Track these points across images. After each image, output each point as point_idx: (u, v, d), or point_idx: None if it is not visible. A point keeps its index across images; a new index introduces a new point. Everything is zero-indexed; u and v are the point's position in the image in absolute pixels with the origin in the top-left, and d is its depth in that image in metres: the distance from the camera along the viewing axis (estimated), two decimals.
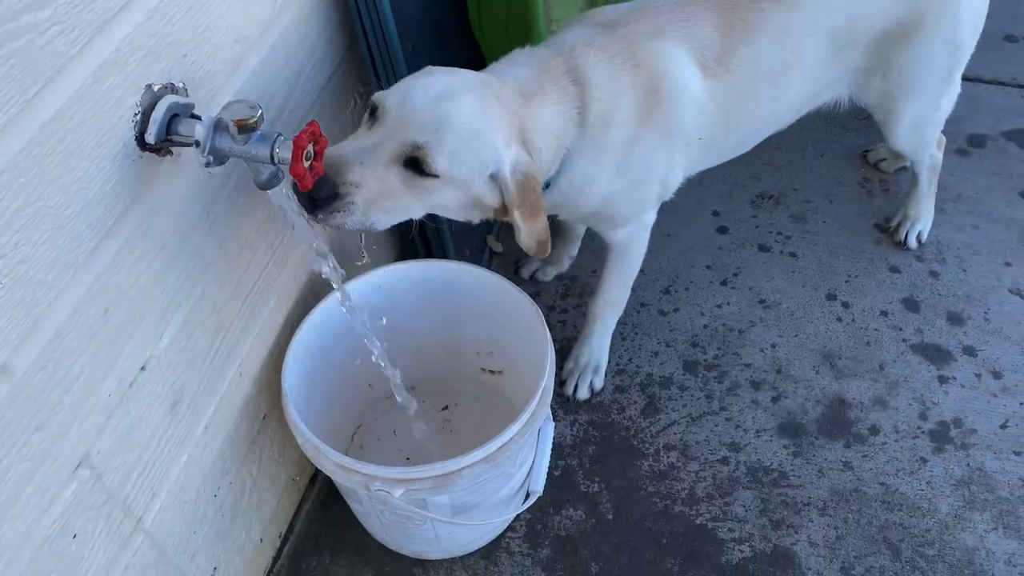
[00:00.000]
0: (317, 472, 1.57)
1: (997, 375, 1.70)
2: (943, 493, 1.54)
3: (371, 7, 1.34)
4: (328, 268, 1.16)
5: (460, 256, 1.73)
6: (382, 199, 1.10)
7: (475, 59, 1.80)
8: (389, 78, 1.41)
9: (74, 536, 0.94)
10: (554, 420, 1.65)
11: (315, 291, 1.41)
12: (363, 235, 1.54)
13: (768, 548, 1.48)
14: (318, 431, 1.25)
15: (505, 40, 1.74)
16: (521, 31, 1.68)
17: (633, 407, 1.69)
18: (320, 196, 1.05)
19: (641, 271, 1.94)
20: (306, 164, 0.94)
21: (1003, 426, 1.63)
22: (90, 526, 0.97)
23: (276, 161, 0.93)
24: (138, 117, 0.91)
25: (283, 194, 1.03)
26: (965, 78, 1.68)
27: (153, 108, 0.92)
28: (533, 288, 1.91)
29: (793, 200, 2.07)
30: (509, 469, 1.34)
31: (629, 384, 1.73)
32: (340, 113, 1.44)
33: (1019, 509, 1.51)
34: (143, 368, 1.02)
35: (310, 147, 0.94)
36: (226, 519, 1.28)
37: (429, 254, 1.70)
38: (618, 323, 1.84)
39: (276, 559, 1.48)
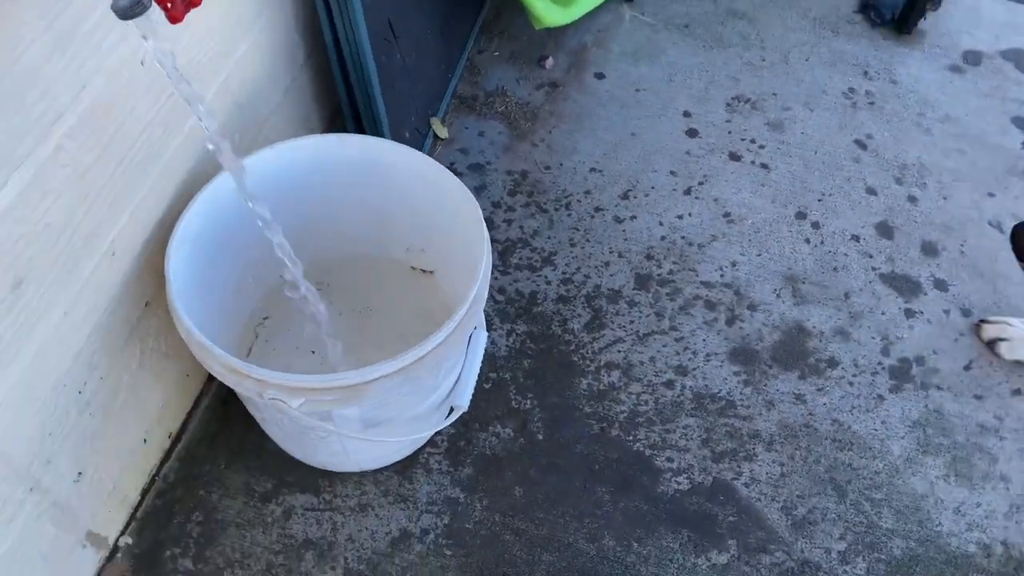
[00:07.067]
0: None
1: (966, 313, 1.59)
2: (897, 434, 1.44)
3: None
4: (219, 141, 0.95)
5: (397, 138, 1.52)
6: None
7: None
8: None
9: None
10: (489, 329, 1.50)
11: (214, 161, 1.19)
12: None
13: (707, 481, 1.37)
14: (215, 322, 1.07)
15: None
16: None
17: (576, 320, 1.54)
18: None
19: (599, 171, 1.76)
20: None
21: (967, 368, 1.52)
22: None
23: None
24: None
25: (153, 27, 0.80)
26: None
27: None
28: (478, 180, 1.71)
29: (771, 106, 1.88)
30: (430, 382, 1.19)
31: (575, 295, 1.57)
32: None
33: (973, 456, 1.42)
34: None
35: None
36: (95, 419, 1.10)
37: (360, 131, 1.48)
38: (569, 228, 1.67)
39: (164, 461, 1.32)
